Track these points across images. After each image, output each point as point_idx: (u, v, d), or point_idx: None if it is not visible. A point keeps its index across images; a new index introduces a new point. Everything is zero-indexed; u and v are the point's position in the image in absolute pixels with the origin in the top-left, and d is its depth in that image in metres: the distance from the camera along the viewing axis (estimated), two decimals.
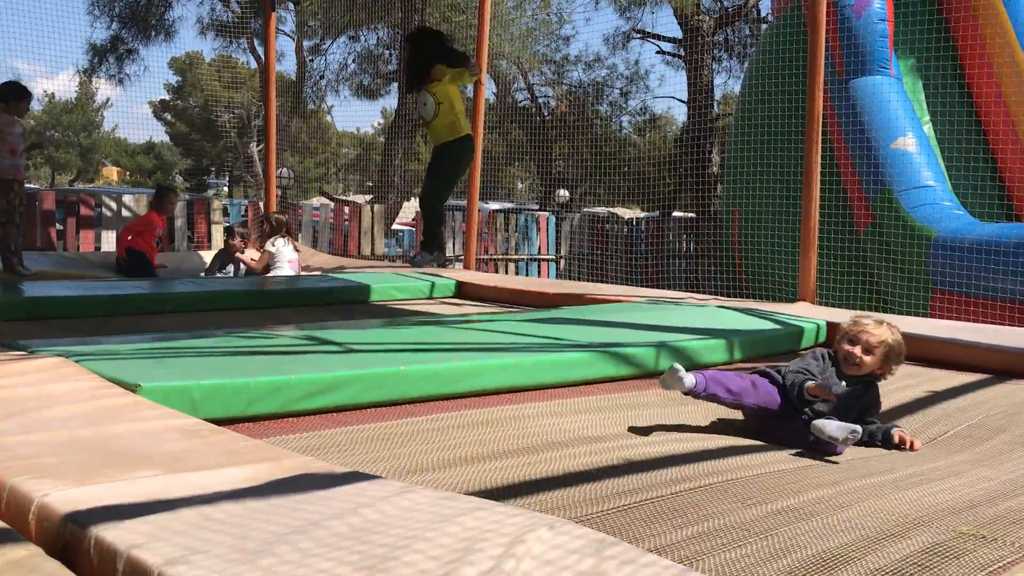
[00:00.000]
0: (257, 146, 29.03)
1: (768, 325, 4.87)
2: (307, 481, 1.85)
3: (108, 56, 18.00)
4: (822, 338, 5.00)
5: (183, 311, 5.67)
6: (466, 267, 8.71)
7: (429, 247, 6.49)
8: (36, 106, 44.10)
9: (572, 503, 2.22)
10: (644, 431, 3.03)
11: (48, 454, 2.00)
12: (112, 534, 1.51)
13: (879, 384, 3.19)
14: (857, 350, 3.09)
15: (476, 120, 8.51)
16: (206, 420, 2.55)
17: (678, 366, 2.98)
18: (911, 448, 2.99)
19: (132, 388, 2.67)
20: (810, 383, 3.01)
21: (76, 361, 3.04)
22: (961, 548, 2.00)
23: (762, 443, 2.97)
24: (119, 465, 1.93)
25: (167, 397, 2.66)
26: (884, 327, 3.14)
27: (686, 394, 2.99)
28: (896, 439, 2.99)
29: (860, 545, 2.00)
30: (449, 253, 13.12)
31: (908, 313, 7.72)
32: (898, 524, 2.16)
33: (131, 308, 5.54)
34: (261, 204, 11.46)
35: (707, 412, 3.32)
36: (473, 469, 2.47)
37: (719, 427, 3.21)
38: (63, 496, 1.70)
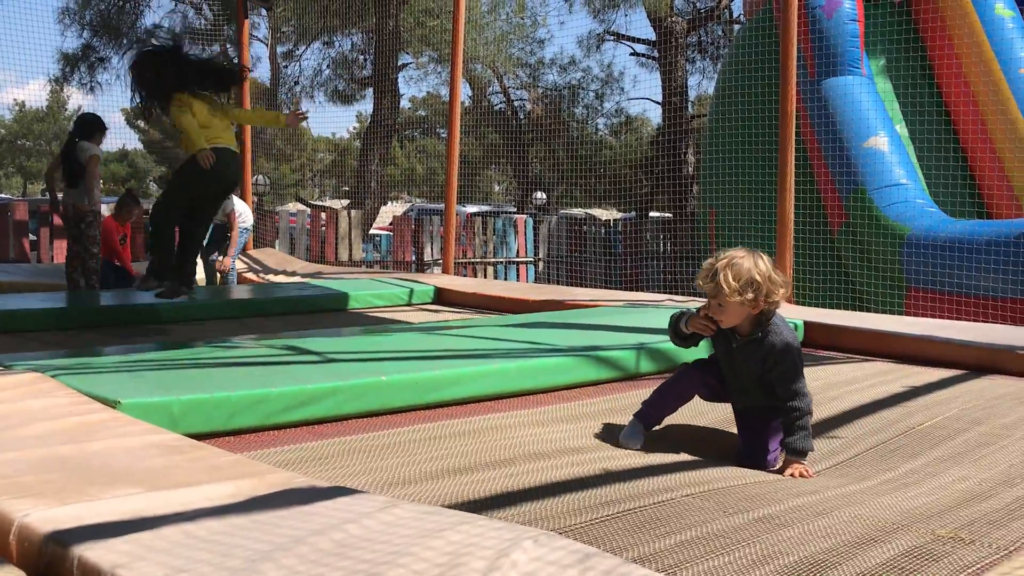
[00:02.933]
0: None
1: None
2: (290, 497, 1.85)
3: (79, 64, 17.85)
4: (800, 338, 5.04)
5: (160, 322, 5.64)
6: (444, 271, 8.72)
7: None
8: (7, 115, 43.67)
9: (555, 514, 2.22)
10: (620, 430, 3.06)
11: (27, 472, 1.99)
12: (95, 554, 1.51)
13: (777, 331, 2.90)
14: (713, 312, 2.89)
15: (452, 122, 8.53)
16: (187, 435, 2.54)
17: (624, 436, 2.97)
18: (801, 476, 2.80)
19: (112, 404, 2.65)
20: (686, 320, 2.98)
21: (53, 376, 3.01)
22: (940, 551, 2.03)
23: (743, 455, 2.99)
24: (100, 483, 1.92)
25: (147, 413, 2.64)
26: (721, 266, 2.82)
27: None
28: (787, 473, 2.79)
29: (841, 550, 2.02)
30: (428, 257, 13.11)
31: (883, 311, 7.80)
32: (877, 529, 2.18)
33: (106, 320, 5.50)
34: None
35: (687, 417, 3.34)
36: (456, 481, 2.47)
37: (701, 434, 3.23)
38: (44, 515, 1.69)
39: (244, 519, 1.71)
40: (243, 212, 8.40)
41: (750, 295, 2.79)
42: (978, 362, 4.41)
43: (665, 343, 4.27)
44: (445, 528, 1.66)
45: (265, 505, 1.79)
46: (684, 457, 2.89)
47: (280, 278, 8.47)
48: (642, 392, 3.46)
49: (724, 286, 2.79)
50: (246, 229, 8.38)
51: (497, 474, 2.56)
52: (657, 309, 5.51)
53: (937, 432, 3.25)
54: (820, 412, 3.53)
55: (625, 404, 3.52)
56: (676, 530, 2.12)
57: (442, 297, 7.13)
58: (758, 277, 2.79)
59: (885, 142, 8.57)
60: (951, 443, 3.11)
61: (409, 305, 6.91)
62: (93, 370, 3.24)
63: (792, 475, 2.76)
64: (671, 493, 2.45)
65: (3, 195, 38.22)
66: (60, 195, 7.00)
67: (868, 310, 8.00)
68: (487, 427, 3.11)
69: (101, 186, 7.08)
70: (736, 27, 18.73)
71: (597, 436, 3.07)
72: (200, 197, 5.63)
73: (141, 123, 41.60)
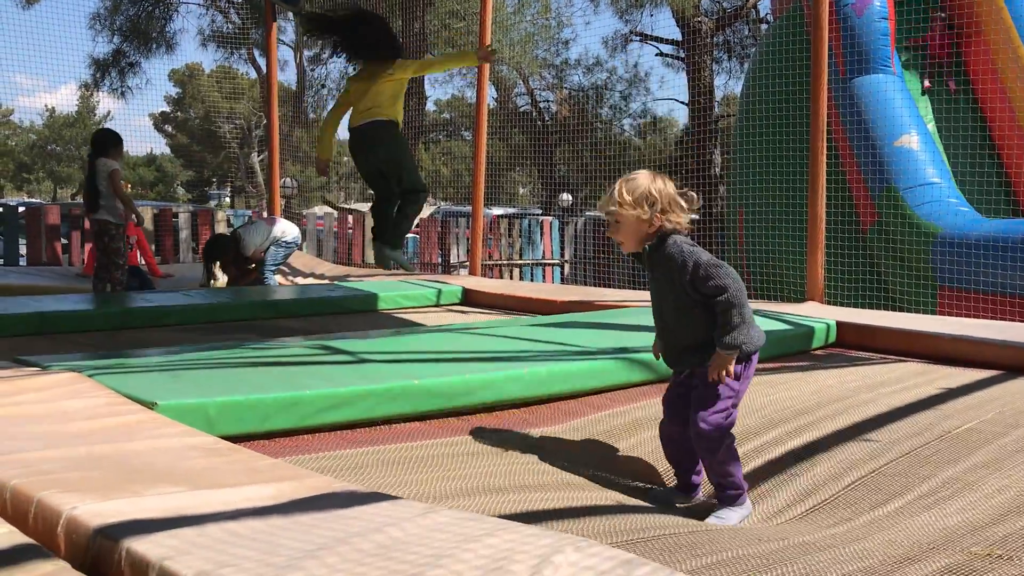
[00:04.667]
0: (258, 156, 29.08)
1: (778, 326, 4.87)
2: (330, 500, 1.86)
3: (110, 70, 18.07)
4: (832, 338, 4.99)
5: (191, 323, 5.68)
6: (471, 273, 8.72)
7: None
8: (37, 120, 44.27)
9: (591, 535, 2.22)
10: (651, 459, 3.02)
11: (70, 469, 2.01)
12: (143, 547, 1.52)
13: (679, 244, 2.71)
14: (611, 232, 2.79)
15: (479, 125, 8.54)
16: (221, 436, 2.56)
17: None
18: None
19: (149, 405, 2.67)
20: None
21: (91, 376, 3.04)
22: (978, 568, 2.00)
23: (773, 479, 2.91)
24: (142, 481, 1.94)
25: (183, 414, 2.66)
26: (619, 182, 2.75)
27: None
28: (711, 373, 2.65)
29: (878, 570, 2.00)
30: (454, 259, 13.14)
31: (916, 311, 7.72)
32: (913, 549, 2.17)
33: (139, 321, 5.55)
34: (264, 214, 11.49)
35: None
36: (491, 499, 2.47)
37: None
38: (91, 509, 1.70)
39: (285, 520, 1.72)
40: (286, 228, 8.48)
41: (644, 208, 2.67)
42: (1015, 362, 4.34)
43: None
44: (486, 534, 1.65)
45: (306, 507, 1.80)
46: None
47: (309, 280, 8.52)
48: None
49: (617, 198, 2.70)
50: (288, 243, 8.44)
51: (532, 497, 2.55)
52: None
53: (973, 437, 3.20)
54: (853, 415, 3.49)
55: (656, 413, 3.49)
56: (711, 552, 2.11)
57: (469, 298, 7.14)
58: (655, 192, 2.67)
59: (916, 141, 8.48)
60: (988, 448, 3.06)
61: (437, 306, 6.92)
62: (129, 370, 3.27)
63: (713, 378, 2.63)
64: (705, 526, 2.45)
65: (35, 199, 38.77)
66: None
67: (900, 310, 7.92)
68: (521, 443, 3.09)
69: (129, 193, 7.22)
70: (763, 26, 18.63)
71: (630, 462, 3.03)
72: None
73: (169, 128, 42.06)
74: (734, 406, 2.70)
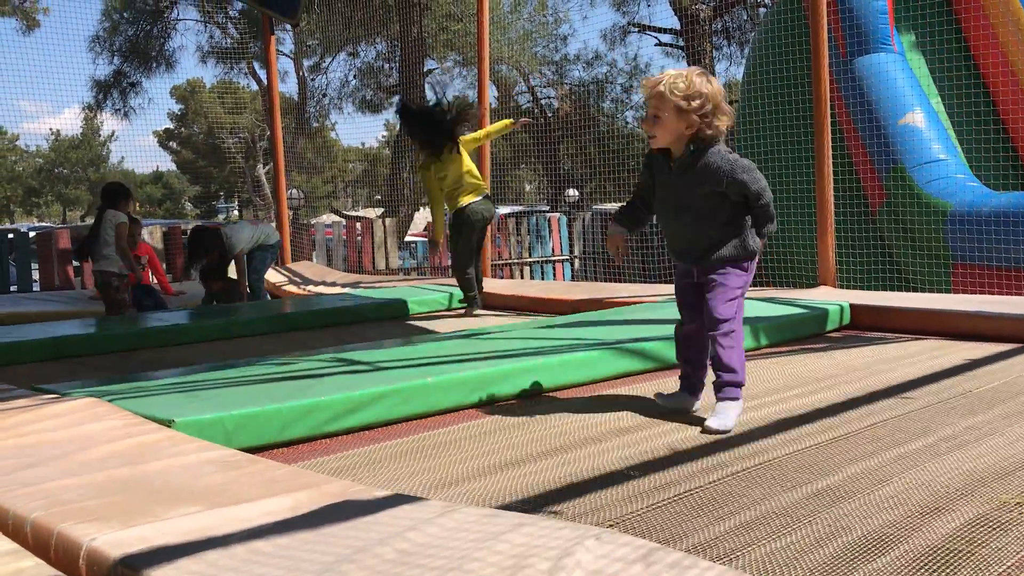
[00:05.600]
0: (264, 168, 29.17)
1: (792, 310, 4.86)
2: (349, 507, 1.86)
3: (112, 91, 18.15)
4: (846, 320, 4.98)
5: (204, 340, 5.69)
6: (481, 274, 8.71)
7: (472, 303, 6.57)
8: (43, 144, 44.50)
9: (611, 503, 2.21)
10: (672, 415, 3.08)
11: (91, 497, 2.01)
12: (165, 575, 1.52)
13: (720, 149, 2.77)
14: (646, 124, 2.79)
15: (481, 125, 8.53)
16: (241, 449, 2.56)
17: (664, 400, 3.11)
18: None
19: (167, 423, 2.68)
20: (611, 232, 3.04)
21: (109, 400, 3.05)
22: (1007, 519, 1.99)
23: (795, 418, 2.99)
24: (163, 502, 1.94)
25: (201, 430, 2.67)
26: (666, 75, 2.73)
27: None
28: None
29: (905, 523, 1.99)
30: None
31: (929, 290, 7.67)
32: (941, 497, 2.15)
33: (153, 341, 5.57)
34: (273, 224, 11.52)
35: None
36: (509, 475, 2.47)
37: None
38: (111, 539, 1.70)
39: (307, 532, 1.72)
40: (269, 232, 8.42)
41: (695, 104, 2.66)
42: None
43: None
44: (506, 531, 1.65)
45: (326, 516, 1.80)
46: (737, 426, 2.90)
47: (320, 289, 8.53)
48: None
49: (664, 89, 2.68)
50: (272, 248, 8.38)
51: (548, 463, 2.57)
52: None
53: (995, 394, 3.23)
54: (871, 382, 3.54)
55: (671, 385, 3.52)
56: (735, 511, 2.11)
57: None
58: (706, 90, 2.68)
59: (921, 118, 8.43)
60: (1010, 403, 3.09)
61: (449, 310, 6.92)
62: (146, 392, 3.28)
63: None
64: (726, 469, 2.45)
65: (44, 223, 38.98)
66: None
67: (914, 289, 7.88)
68: (535, 417, 3.15)
69: (130, 252, 7.31)
70: (761, 11, 18.56)
71: (645, 414, 3.11)
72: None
73: (173, 144, 42.24)
74: (742, 296, 2.91)
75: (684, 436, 2.82)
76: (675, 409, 3.09)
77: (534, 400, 3.48)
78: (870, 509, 2.08)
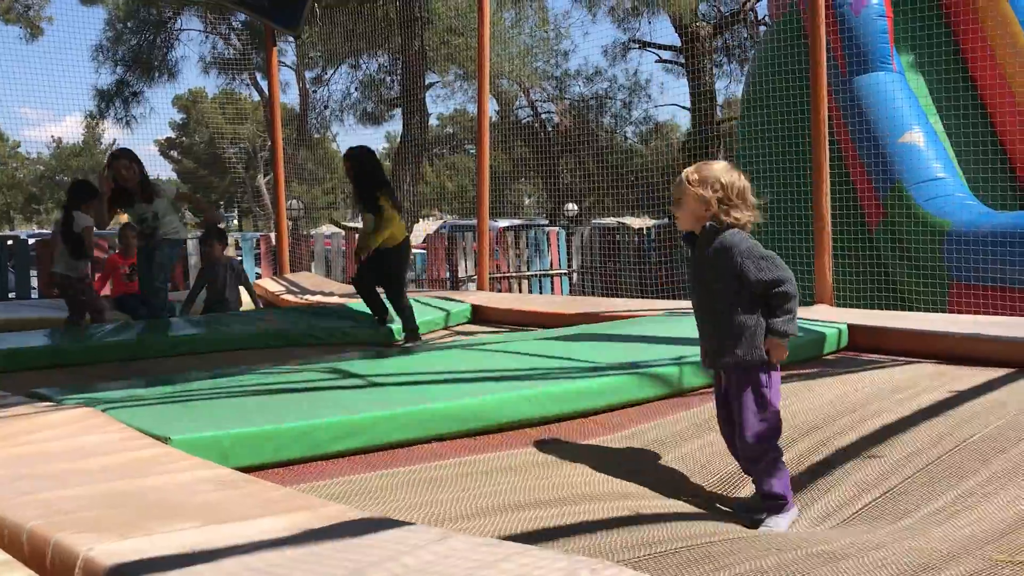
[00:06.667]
0: (264, 178, 29.20)
1: None
2: (344, 529, 1.86)
3: (114, 100, 18.18)
4: (844, 342, 4.97)
5: (201, 352, 5.69)
6: (479, 287, 8.72)
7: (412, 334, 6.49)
8: (45, 151, 44.53)
9: (607, 550, 2.22)
10: (671, 476, 3.01)
11: (87, 508, 2.02)
12: None
13: (733, 234, 2.82)
14: (672, 208, 2.92)
15: (481, 138, 8.56)
16: (237, 468, 2.56)
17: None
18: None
19: (163, 440, 2.68)
20: None
21: (104, 411, 3.06)
22: (998, 575, 1.99)
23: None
24: (158, 517, 1.94)
25: (197, 448, 2.67)
26: (695, 165, 2.88)
27: None
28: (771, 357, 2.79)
29: None
30: (462, 273, 13.15)
31: (926, 309, 7.68)
32: (932, 557, 2.15)
33: (149, 352, 5.56)
34: (272, 236, 11.52)
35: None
36: (507, 518, 2.47)
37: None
38: (107, 549, 1.71)
39: (300, 551, 1.72)
40: (179, 227, 7.81)
41: (708, 192, 2.76)
42: None
43: None
44: (501, 559, 1.65)
45: (320, 537, 1.80)
46: (731, 491, 2.87)
47: (318, 298, 8.52)
48: (689, 412, 3.42)
49: (685, 177, 2.82)
50: (180, 243, 7.75)
51: (546, 512, 2.55)
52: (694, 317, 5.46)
53: (988, 445, 3.17)
54: (864, 428, 3.47)
55: (671, 432, 3.47)
56: (726, 566, 2.11)
57: (480, 315, 7.14)
58: (723, 179, 2.79)
59: (920, 137, 8.45)
60: (1003, 457, 3.03)
61: (447, 325, 6.92)
62: (142, 403, 3.28)
63: (775, 360, 2.75)
64: (722, 535, 2.44)
65: (45, 230, 38.96)
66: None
67: (911, 308, 7.88)
68: (535, 462, 3.08)
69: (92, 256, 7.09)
70: (762, 28, 18.64)
71: (646, 478, 3.03)
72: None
73: (174, 153, 42.32)
74: (772, 412, 2.76)
75: (684, 507, 2.79)
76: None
77: (533, 433, 3.42)
78: (864, 568, 2.09)
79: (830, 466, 3.10)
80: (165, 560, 1.66)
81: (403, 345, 6.29)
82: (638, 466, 3.13)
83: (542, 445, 3.29)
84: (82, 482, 2.26)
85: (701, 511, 2.74)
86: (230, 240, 11.82)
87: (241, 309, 8.31)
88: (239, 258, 11.61)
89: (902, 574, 2.03)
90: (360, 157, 6.52)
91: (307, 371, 4.04)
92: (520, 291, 13.30)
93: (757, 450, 2.75)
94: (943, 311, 7.44)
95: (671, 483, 3.02)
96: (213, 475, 2.33)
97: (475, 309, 7.19)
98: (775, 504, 2.73)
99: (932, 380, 4.14)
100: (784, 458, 3.13)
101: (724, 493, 2.93)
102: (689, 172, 2.83)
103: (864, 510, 2.77)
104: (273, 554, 1.71)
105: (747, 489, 2.93)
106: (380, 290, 6.47)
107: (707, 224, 2.81)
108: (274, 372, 4.07)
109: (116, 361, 5.30)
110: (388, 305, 6.45)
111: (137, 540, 1.77)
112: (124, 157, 6.95)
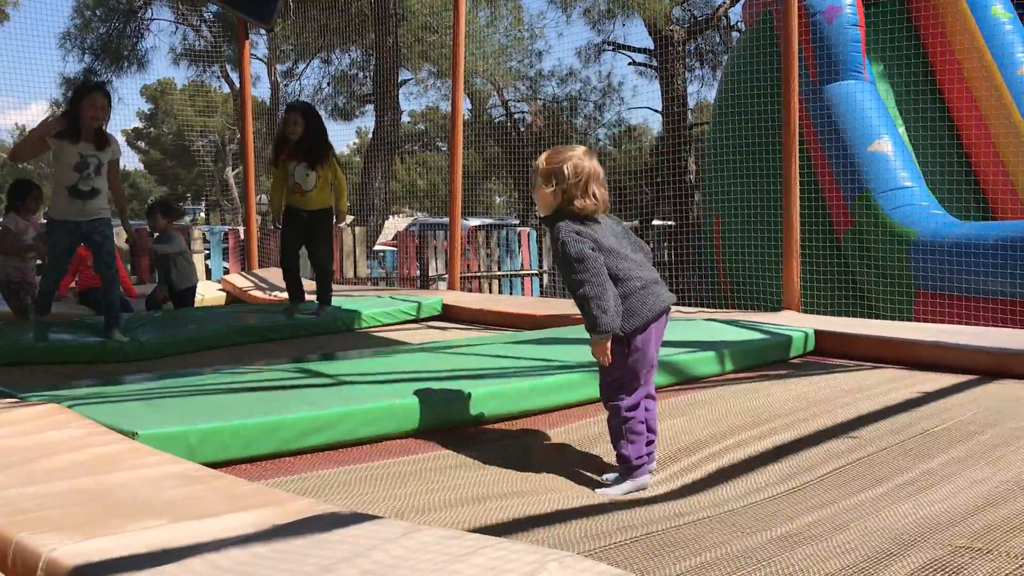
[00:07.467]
0: (233, 171, 28.95)
1: (756, 336, 4.90)
2: (312, 525, 1.85)
3: None
4: (810, 347, 5.03)
5: (169, 353, 5.58)
6: (450, 287, 8.70)
7: (328, 302, 6.58)
8: (8, 138, 43.79)
9: (573, 540, 2.23)
10: None
11: (51, 507, 1.99)
12: None
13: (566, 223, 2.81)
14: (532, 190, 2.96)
15: (455, 137, 8.55)
16: (204, 463, 2.54)
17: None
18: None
19: (130, 435, 2.65)
20: None
21: (70, 407, 3.02)
22: (959, 563, 2.03)
23: (754, 465, 2.98)
24: (124, 515, 1.92)
25: (165, 443, 2.65)
26: (552, 150, 2.90)
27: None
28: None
29: (860, 567, 2.02)
30: (432, 272, 13.12)
31: (892, 316, 7.78)
32: (894, 542, 2.18)
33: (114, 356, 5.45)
34: (241, 230, 11.42)
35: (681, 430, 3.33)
36: (473, 509, 2.47)
37: (704, 438, 3.23)
38: (71, 550, 1.69)
39: (268, 548, 1.72)
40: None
41: (552, 181, 2.78)
42: (989, 367, 4.40)
43: (676, 355, 4.27)
44: (469, 552, 1.66)
45: (288, 533, 1.80)
46: (694, 475, 2.89)
47: (287, 295, 8.43)
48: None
49: (537, 164, 2.84)
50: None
51: (515, 502, 2.56)
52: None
53: (951, 434, 3.26)
54: (832, 416, 3.56)
55: None
56: (694, 552, 2.13)
57: (449, 314, 7.13)
58: (568, 169, 2.76)
59: (889, 146, 8.57)
60: (966, 445, 3.12)
61: (417, 323, 6.90)
62: (108, 399, 3.24)
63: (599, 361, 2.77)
64: (686, 517, 2.45)
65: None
66: None
67: (877, 315, 7.98)
68: (501, 454, 3.10)
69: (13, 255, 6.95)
70: (735, 34, 18.78)
71: (610, 467, 3.04)
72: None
73: (142, 144, 41.81)
74: (620, 386, 2.81)
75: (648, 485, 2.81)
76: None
77: (501, 426, 3.45)
78: (826, 554, 2.11)
79: (790, 447, 3.17)
80: (131, 560, 1.65)
81: (318, 314, 6.45)
82: (603, 455, 3.17)
83: (509, 439, 3.31)
84: (46, 479, 2.23)
85: (662, 493, 2.75)
86: (197, 234, 11.69)
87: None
88: (207, 251, 11.51)
89: (865, 560, 2.06)
90: (312, 110, 6.55)
91: (276, 370, 4.02)
92: (490, 291, 13.29)
93: (610, 416, 2.84)
94: (909, 319, 7.54)
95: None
96: (181, 471, 2.30)
97: (446, 308, 7.18)
98: (623, 467, 2.81)
99: (897, 382, 4.23)
100: (738, 439, 3.25)
101: (684, 473, 2.96)
102: (540, 159, 2.85)
103: (826, 477, 2.83)
104: (241, 552, 1.70)
105: (706, 469, 2.98)
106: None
107: (554, 210, 2.84)
108: (243, 371, 4.04)
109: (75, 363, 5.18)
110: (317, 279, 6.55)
111: (102, 540, 1.75)
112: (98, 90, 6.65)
